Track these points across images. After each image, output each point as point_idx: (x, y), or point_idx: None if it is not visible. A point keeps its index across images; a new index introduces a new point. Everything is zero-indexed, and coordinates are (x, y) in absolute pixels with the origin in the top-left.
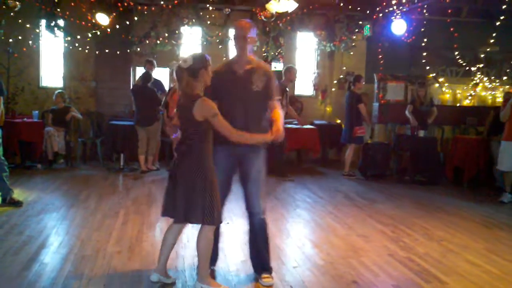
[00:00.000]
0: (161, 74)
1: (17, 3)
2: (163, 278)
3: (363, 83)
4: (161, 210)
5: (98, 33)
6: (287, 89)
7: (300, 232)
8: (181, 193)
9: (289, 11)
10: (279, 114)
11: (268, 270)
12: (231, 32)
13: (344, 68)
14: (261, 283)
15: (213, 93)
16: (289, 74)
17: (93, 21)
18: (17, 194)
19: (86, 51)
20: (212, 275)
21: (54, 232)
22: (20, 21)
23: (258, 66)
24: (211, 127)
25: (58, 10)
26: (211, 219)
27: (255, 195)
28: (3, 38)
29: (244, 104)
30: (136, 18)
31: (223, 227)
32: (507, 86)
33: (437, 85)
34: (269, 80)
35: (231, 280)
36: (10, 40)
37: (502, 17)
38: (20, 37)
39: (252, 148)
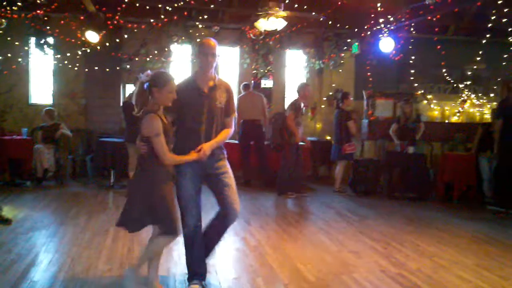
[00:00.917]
0: None
1: (3, 20)
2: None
3: (352, 99)
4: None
5: (88, 50)
6: (303, 107)
7: (292, 249)
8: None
9: (278, 29)
10: (222, 135)
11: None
12: (220, 49)
13: (334, 85)
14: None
15: (177, 107)
16: (303, 91)
17: (83, 38)
18: (6, 211)
19: (76, 68)
20: None
21: (44, 250)
22: (9, 38)
23: (220, 83)
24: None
25: (48, 27)
26: (168, 229)
27: (231, 194)
28: None
29: (209, 119)
30: (126, 36)
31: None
32: (495, 103)
33: (425, 102)
34: (230, 96)
35: None
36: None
37: (488, 35)
38: (9, 55)
39: (217, 159)
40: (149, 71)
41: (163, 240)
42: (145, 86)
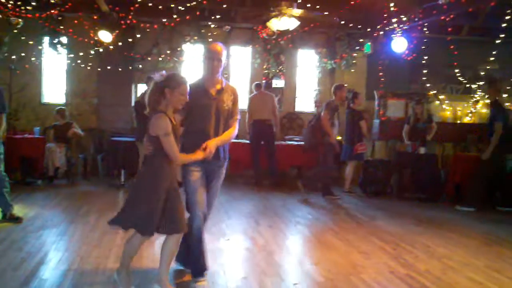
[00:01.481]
0: None
1: (20, 20)
2: None
3: (364, 99)
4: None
5: (101, 50)
6: (338, 108)
7: (300, 249)
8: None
9: (290, 29)
10: (227, 134)
11: (203, 274)
12: (232, 49)
13: (346, 85)
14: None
15: (187, 108)
16: (340, 92)
17: (96, 38)
18: (17, 210)
19: (89, 68)
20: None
21: (54, 248)
22: (23, 38)
23: (227, 86)
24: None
25: (61, 27)
26: (174, 228)
27: (211, 203)
28: (6, 55)
29: (217, 121)
30: (138, 36)
31: (222, 243)
32: (507, 104)
33: (437, 102)
34: (235, 99)
35: None
36: (13, 57)
37: (502, 35)
38: (22, 54)
39: (221, 163)
40: (164, 72)
41: (173, 239)
42: (161, 88)
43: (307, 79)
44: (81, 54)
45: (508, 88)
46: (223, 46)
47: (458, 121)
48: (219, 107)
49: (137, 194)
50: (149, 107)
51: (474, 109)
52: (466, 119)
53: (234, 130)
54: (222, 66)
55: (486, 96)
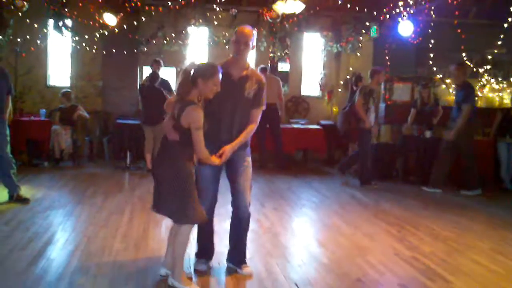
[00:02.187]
0: (168, 74)
1: (25, 3)
2: (171, 272)
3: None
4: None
5: (106, 33)
6: (374, 92)
7: (306, 231)
8: (159, 190)
9: (296, 12)
10: (245, 133)
11: (245, 261)
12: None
13: (351, 68)
14: (241, 273)
15: None
16: (378, 76)
17: (101, 21)
18: (24, 191)
19: (94, 50)
20: (208, 271)
21: (61, 228)
22: (28, 21)
23: (252, 74)
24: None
25: (66, 10)
26: (184, 218)
27: (243, 190)
28: (11, 37)
29: (233, 107)
30: (143, 19)
31: (229, 224)
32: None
33: (444, 86)
34: (260, 89)
35: (222, 278)
36: (18, 39)
37: (510, 19)
38: (28, 37)
39: (240, 147)
40: (194, 61)
41: (185, 230)
42: (194, 77)
43: (312, 62)
44: (86, 37)
45: None
46: (252, 29)
47: None
48: (239, 94)
49: (166, 184)
50: (179, 96)
51: (480, 93)
52: None
53: (255, 125)
54: (249, 51)
55: (454, 79)
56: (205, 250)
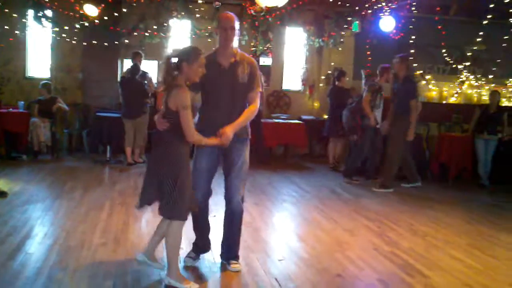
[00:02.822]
0: (149, 67)
1: None
2: (149, 261)
3: (348, 78)
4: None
5: (86, 24)
6: (382, 89)
7: (286, 226)
8: (152, 183)
9: (279, 6)
10: (245, 114)
11: (237, 257)
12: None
13: (333, 63)
14: (230, 269)
15: (199, 84)
16: (387, 74)
17: (81, 12)
18: (2, 184)
19: (74, 42)
20: (196, 264)
21: (39, 223)
22: (6, 11)
23: (242, 58)
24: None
25: (46, 0)
26: (177, 214)
27: (237, 185)
28: None
29: (230, 96)
30: (124, 10)
31: (209, 219)
32: (493, 85)
33: (424, 82)
34: (253, 71)
35: (216, 272)
36: None
37: (489, 16)
38: (6, 27)
39: (239, 139)
40: (174, 47)
41: (176, 226)
42: (178, 62)
43: (294, 57)
44: (66, 28)
45: (494, 69)
46: (235, 15)
47: (444, 101)
48: (232, 81)
49: (159, 177)
50: (165, 84)
51: (460, 89)
52: (452, 100)
53: (255, 107)
54: (236, 36)
55: (396, 71)
56: (199, 245)
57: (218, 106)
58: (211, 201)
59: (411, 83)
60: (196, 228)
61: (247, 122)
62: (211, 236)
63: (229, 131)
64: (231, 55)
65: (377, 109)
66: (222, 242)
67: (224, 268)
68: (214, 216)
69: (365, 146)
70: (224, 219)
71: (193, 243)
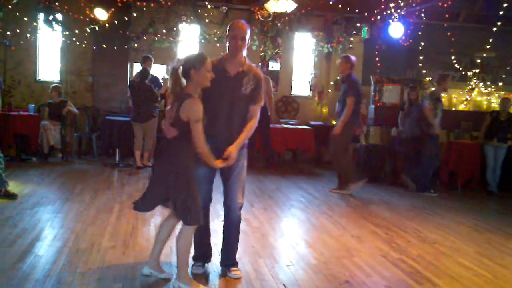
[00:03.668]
0: (159, 71)
1: None
2: (155, 272)
3: None
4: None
5: (96, 28)
6: (441, 99)
7: (294, 232)
8: (157, 189)
9: (288, 12)
10: (247, 130)
11: (236, 264)
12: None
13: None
14: (230, 276)
15: (203, 89)
16: (445, 82)
17: (92, 16)
18: (12, 186)
19: (84, 46)
20: (205, 272)
21: (49, 225)
22: (18, 14)
23: (249, 69)
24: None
25: (57, 3)
26: (193, 219)
27: (235, 190)
28: (0, 31)
29: (230, 104)
30: (134, 14)
31: (217, 224)
32: (503, 92)
33: (433, 88)
34: (258, 84)
35: (223, 277)
36: (8, 33)
37: (499, 23)
38: (17, 30)
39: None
40: (177, 57)
41: (188, 231)
42: (186, 71)
43: (303, 62)
44: (76, 31)
45: (503, 76)
46: (247, 24)
47: (453, 109)
48: (235, 90)
49: (168, 183)
50: (174, 95)
51: (469, 96)
52: (461, 107)
53: (255, 122)
54: (246, 46)
55: (340, 71)
56: (202, 252)
57: (217, 112)
58: (219, 206)
59: (351, 82)
60: (198, 236)
61: (249, 137)
62: (215, 239)
63: (234, 152)
64: (239, 65)
65: (436, 117)
66: (221, 250)
67: (224, 274)
68: (222, 220)
69: (433, 155)
70: (224, 226)
71: (195, 251)
